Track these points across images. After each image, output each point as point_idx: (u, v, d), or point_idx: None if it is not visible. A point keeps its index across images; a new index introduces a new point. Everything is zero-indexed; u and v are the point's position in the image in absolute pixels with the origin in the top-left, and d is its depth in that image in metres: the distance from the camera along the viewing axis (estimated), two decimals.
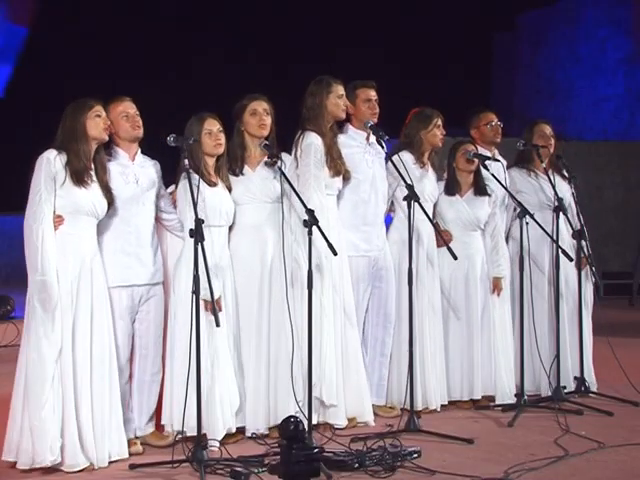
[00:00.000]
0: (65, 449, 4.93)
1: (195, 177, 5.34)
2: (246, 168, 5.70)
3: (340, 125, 6.19)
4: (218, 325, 5.04)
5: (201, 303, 5.04)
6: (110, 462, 5.06)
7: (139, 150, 5.48)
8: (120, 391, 5.19)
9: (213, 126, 5.52)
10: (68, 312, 5.00)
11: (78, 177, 5.07)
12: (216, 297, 5.10)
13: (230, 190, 5.62)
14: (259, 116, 5.68)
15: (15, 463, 4.97)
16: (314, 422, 5.64)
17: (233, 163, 5.69)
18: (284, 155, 5.80)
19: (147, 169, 5.48)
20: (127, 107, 5.39)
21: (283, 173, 5.51)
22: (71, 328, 5.00)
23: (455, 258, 5.79)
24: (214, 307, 5.01)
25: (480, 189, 6.54)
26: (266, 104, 5.73)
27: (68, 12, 15.74)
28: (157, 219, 5.52)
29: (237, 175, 5.68)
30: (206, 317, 5.26)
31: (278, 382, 5.57)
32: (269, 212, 5.64)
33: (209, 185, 5.46)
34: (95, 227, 5.20)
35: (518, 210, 6.36)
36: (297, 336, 5.50)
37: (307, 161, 5.81)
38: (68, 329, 4.99)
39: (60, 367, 4.95)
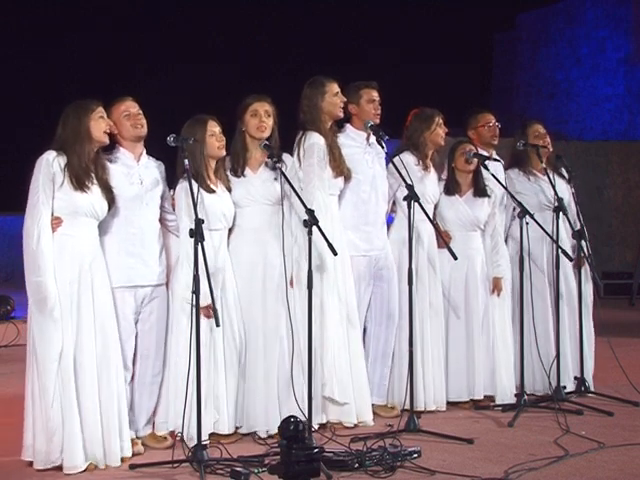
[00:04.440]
0: (66, 450, 4.94)
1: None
2: (247, 170, 5.68)
3: (340, 125, 6.19)
4: (218, 325, 5.03)
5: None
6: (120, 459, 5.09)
7: (144, 151, 5.46)
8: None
9: (216, 128, 5.49)
10: (69, 313, 4.99)
11: (78, 181, 5.05)
12: (209, 301, 5.08)
13: (230, 190, 5.61)
14: (259, 117, 5.65)
15: (32, 462, 5.00)
16: (324, 422, 5.71)
17: (235, 163, 5.67)
18: (285, 156, 5.79)
19: (151, 170, 5.45)
20: (129, 106, 5.37)
21: (283, 173, 5.49)
22: (75, 329, 4.99)
23: (455, 258, 5.78)
24: (214, 307, 5.01)
25: (480, 190, 6.54)
26: (268, 105, 5.69)
27: (68, 13, 15.75)
28: (161, 220, 5.51)
29: (238, 176, 5.66)
30: (204, 319, 5.27)
31: (284, 382, 5.53)
32: (270, 214, 5.60)
33: (207, 191, 5.42)
34: (96, 228, 5.18)
35: (518, 210, 6.35)
36: (303, 336, 5.47)
37: (311, 161, 5.80)
38: (70, 330, 4.98)
39: (62, 368, 4.95)
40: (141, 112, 5.40)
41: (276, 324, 5.58)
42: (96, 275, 5.11)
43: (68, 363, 4.96)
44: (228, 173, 5.65)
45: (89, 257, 5.09)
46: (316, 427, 5.62)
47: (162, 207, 5.49)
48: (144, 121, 5.38)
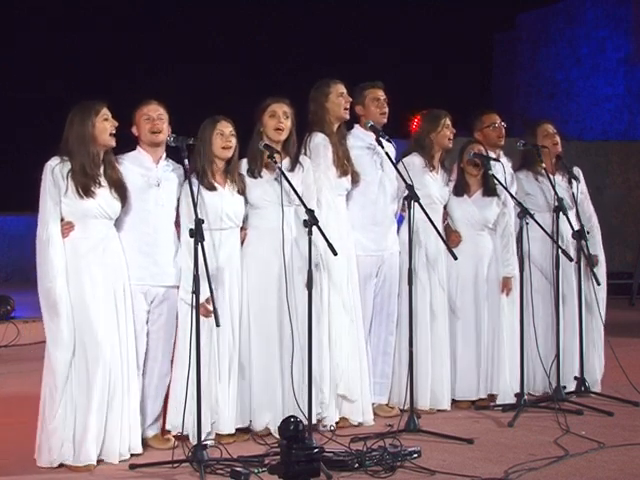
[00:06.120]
0: (79, 446, 4.96)
1: (193, 179, 5.31)
2: (264, 171, 5.68)
3: (349, 127, 6.21)
4: (218, 325, 5.03)
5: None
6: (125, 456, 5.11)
7: (164, 154, 5.45)
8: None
9: (225, 128, 5.48)
10: (82, 313, 4.98)
11: (84, 188, 5.04)
12: (203, 299, 5.09)
13: (242, 192, 5.59)
14: (277, 119, 5.65)
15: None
16: (338, 418, 5.74)
17: (252, 164, 5.67)
18: (304, 158, 5.80)
19: (170, 173, 5.45)
20: (150, 110, 5.37)
21: (283, 173, 5.49)
22: (97, 329, 4.99)
23: (455, 258, 5.79)
24: (214, 307, 5.01)
25: (489, 190, 6.52)
26: (286, 107, 5.69)
27: (68, 14, 15.75)
28: (176, 223, 5.49)
29: (255, 177, 5.66)
30: (206, 319, 5.27)
31: (305, 382, 5.48)
32: (287, 214, 5.59)
33: (208, 189, 5.43)
34: (111, 227, 5.18)
35: (519, 210, 6.34)
36: (315, 336, 5.44)
37: (317, 161, 5.86)
38: (93, 330, 4.98)
39: (77, 369, 4.97)
40: (164, 117, 5.38)
41: (296, 323, 5.55)
42: (118, 274, 5.12)
43: (84, 363, 4.97)
44: (245, 174, 5.66)
45: (107, 257, 5.10)
46: (334, 425, 5.67)
47: (178, 210, 5.48)
48: (163, 127, 5.36)
